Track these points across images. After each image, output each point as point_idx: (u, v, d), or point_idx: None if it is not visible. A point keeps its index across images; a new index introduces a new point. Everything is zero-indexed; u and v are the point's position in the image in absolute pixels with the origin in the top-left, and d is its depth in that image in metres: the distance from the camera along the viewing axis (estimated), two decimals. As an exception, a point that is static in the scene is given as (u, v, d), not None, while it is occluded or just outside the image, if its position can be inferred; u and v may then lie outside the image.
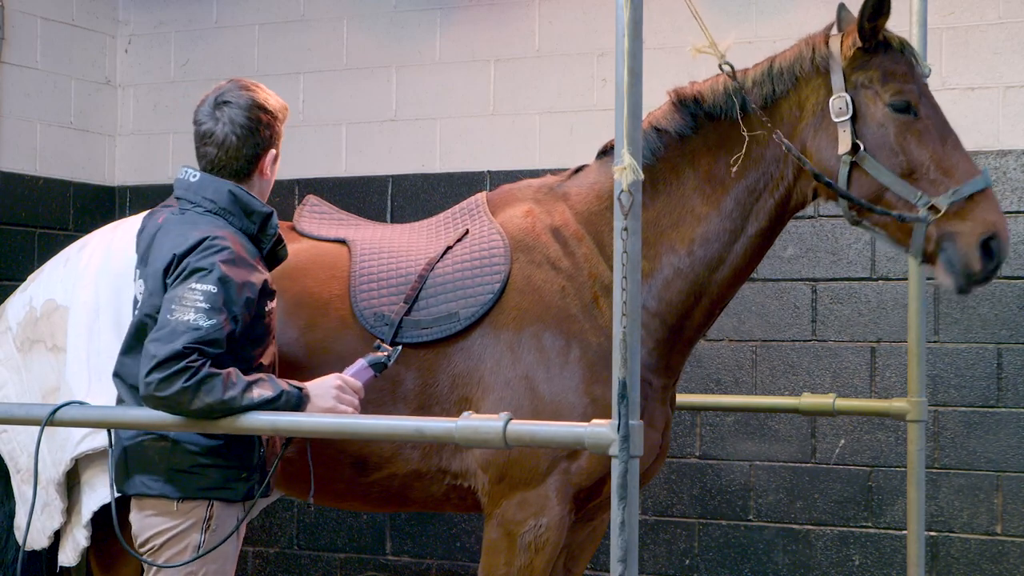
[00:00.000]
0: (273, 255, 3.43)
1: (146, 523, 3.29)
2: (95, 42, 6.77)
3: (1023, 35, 5.42)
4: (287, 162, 6.56)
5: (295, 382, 3.23)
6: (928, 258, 3.39)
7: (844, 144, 3.41)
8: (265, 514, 6.32)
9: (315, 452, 3.64)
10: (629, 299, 2.66)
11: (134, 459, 3.31)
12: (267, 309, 3.31)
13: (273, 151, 3.39)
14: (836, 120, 3.43)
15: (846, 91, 3.44)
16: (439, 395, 3.56)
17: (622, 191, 2.67)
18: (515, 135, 6.15)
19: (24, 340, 3.88)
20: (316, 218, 3.99)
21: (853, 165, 3.41)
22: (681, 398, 4.39)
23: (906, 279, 4.44)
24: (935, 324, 5.43)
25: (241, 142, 3.33)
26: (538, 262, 3.60)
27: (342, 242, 3.83)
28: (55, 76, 6.52)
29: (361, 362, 3.35)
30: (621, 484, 2.62)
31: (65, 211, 6.54)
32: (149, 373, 3.08)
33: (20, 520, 3.88)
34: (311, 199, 4.08)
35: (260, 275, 3.26)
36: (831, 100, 3.45)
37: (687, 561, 5.78)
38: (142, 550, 3.31)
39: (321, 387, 3.23)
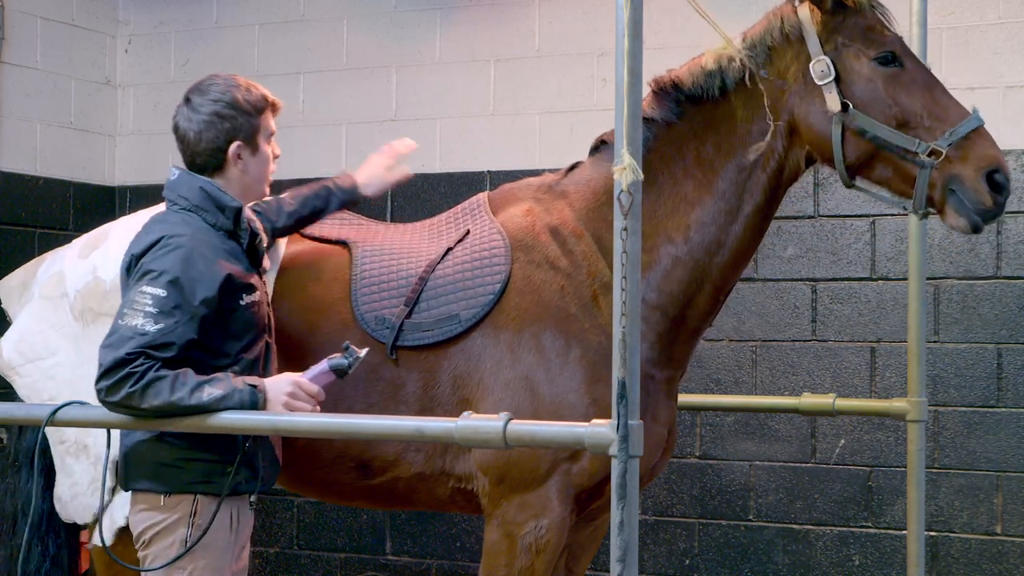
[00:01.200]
0: (256, 249, 3.41)
1: (137, 518, 3.32)
2: (95, 42, 6.77)
3: (1023, 35, 5.42)
4: (287, 162, 6.58)
5: (253, 379, 3.21)
6: (933, 204, 3.38)
7: (833, 104, 3.41)
8: (265, 514, 6.33)
9: (317, 454, 3.66)
10: (628, 299, 2.65)
11: (131, 457, 3.34)
12: (243, 303, 3.28)
13: (238, 143, 3.36)
14: (820, 83, 3.43)
15: (825, 54, 3.44)
16: (440, 397, 3.55)
17: (622, 191, 2.66)
18: (515, 135, 6.16)
19: (86, 310, 3.82)
20: (318, 218, 3.98)
21: (845, 126, 3.41)
22: (681, 398, 4.37)
23: (906, 279, 4.44)
24: (935, 324, 5.43)
25: (197, 137, 3.35)
26: (537, 262, 3.59)
27: (343, 243, 3.82)
28: (55, 76, 6.52)
29: (323, 364, 3.30)
30: (620, 484, 2.62)
31: (65, 211, 6.55)
32: (98, 381, 3.15)
33: (62, 492, 3.85)
34: (314, 198, 4.06)
35: (223, 270, 3.23)
36: (811, 65, 3.45)
37: (687, 561, 5.79)
38: (137, 545, 3.34)
39: (274, 390, 3.20)
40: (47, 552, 3.94)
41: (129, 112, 6.89)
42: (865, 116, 3.39)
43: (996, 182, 3.32)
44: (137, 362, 3.10)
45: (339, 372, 3.29)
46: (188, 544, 3.22)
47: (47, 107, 6.48)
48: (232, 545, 3.32)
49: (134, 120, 6.86)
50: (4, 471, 4.12)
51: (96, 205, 6.71)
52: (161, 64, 6.83)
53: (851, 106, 3.40)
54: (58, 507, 3.86)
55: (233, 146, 3.35)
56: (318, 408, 3.25)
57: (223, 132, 3.35)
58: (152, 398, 3.10)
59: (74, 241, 4.08)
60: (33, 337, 3.90)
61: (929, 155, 3.33)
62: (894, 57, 3.45)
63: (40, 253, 4.22)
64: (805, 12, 3.49)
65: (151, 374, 3.10)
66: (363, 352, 3.31)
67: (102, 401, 3.17)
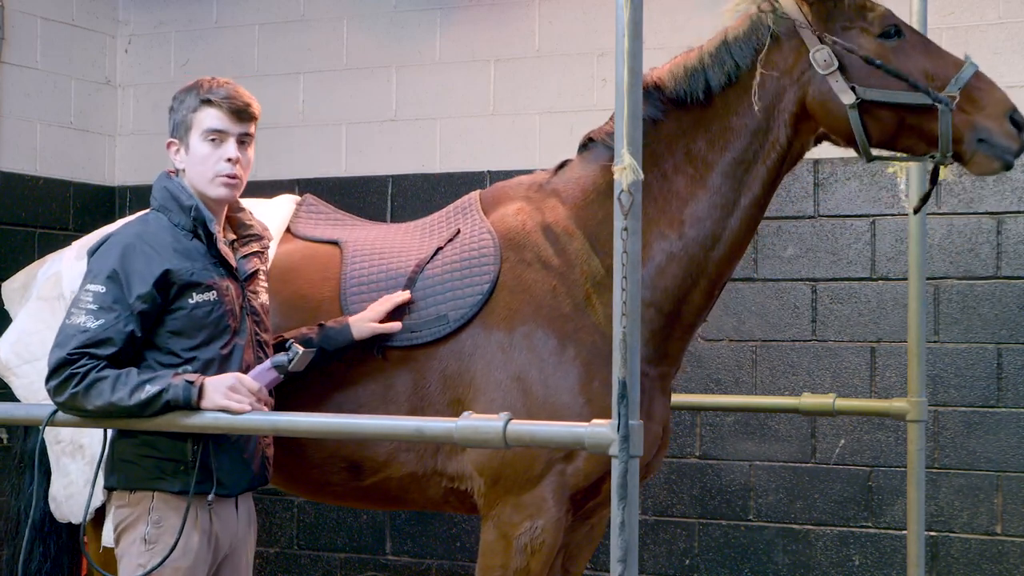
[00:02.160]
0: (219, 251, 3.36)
1: (113, 514, 3.34)
2: (95, 42, 6.77)
3: (1023, 35, 5.42)
4: (287, 162, 6.61)
5: (192, 375, 3.20)
6: (961, 157, 3.43)
7: (847, 95, 3.42)
8: (265, 514, 6.32)
9: (308, 455, 3.66)
10: (629, 298, 2.65)
11: (108, 454, 3.36)
12: (192, 302, 3.26)
13: (171, 140, 3.38)
14: (826, 72, 3.43)
15: (825, 41, 3.44)
16: (430, 397, 3.53)
17: (622, 191, 2.66)
18: (515, 135, 6.15)
19: None
20: (312, 219, 3.97)
21: (861, 105, 3.42)
22: (681, 398, 4.37)
23: (906, 279, 4.44)
24: (935, 324, 5.43)
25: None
26: (529, 261, 3.57)
27: (335, 243, 3.82)
28: (55, 76, 6.52)
29: (266, 363, 3.32)
30: (621, 484, 2.62)
31: (65, 211, 6.55)
32: (47, 381, 3.20)
33: (56, 491, 3.88)
34: (308, 199, 4.06)
35: (161, 266, 3.22)
36: (812, 54, 3.45)
37: (687, 561, 5.78)
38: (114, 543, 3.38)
39: (214, 384, 3.19)
40: (48, 553, 3.95)
41: (129, 112, 6.89)
42: (879, 89, 3.41)
43: (1016, 122, 3.41)
44: (80, 362, 3.14)
45: (280, 369, 3.32)
46: (148, 542, 3.22)
47: (47, 107, 6.48)
48: (200, 547, 3.28)
49: (134, 120, 6.86)
50: (7, 472, 4.13)
51: (96, 205, 6.71)
52: (161, 64, 6.83)
53: (857, 87, 3.41)
54: (53, 507, 3.87)
55: (170, 145, 3.40)
56: (262, 405, 3.24)
57: (169, 131, 3.40)
58: (95, 398, 3.14)
59: (73, 243, 4.09)
60: (30, 338, 3.92)
61: (943, 104, 3.37)
62: (897, 30, 3.48)
63: (40, 253, 4.24)
64: (789, 4, 3.48)
65: (93, 374, 3.14)
66: (302, 349, 3.34)
67: (53, 402, 3.22)
